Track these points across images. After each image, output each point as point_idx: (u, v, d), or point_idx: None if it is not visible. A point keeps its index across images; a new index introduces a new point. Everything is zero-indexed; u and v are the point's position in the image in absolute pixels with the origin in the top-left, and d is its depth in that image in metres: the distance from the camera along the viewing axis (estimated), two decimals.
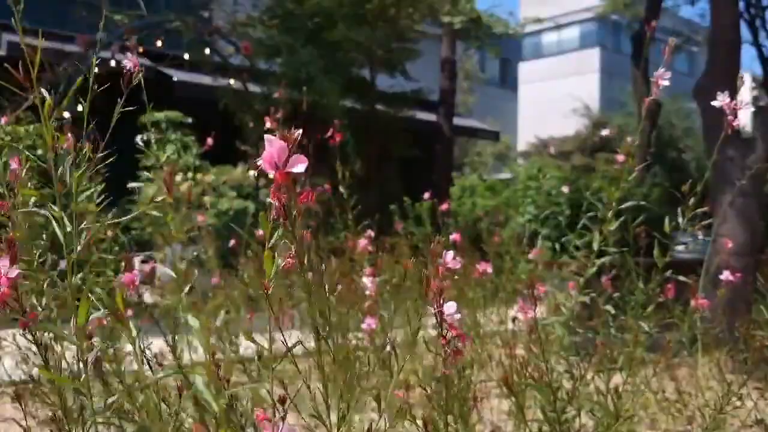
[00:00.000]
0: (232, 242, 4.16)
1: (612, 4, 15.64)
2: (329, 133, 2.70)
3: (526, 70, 34.55)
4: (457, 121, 14.39)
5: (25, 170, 1.30)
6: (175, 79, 10.60)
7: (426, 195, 5.08)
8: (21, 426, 1.27)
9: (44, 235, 1.41)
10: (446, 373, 1.06)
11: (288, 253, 0.92)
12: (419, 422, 1.12)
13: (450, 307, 0.99)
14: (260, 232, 4.01)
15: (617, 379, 2.11)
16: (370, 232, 3.17)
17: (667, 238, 2.06)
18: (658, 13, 10.75)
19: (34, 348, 1.20)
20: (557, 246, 2.94)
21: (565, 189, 6.63)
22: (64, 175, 1.15)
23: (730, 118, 1.74)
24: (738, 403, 1.78)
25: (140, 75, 1.43)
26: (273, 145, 0.84)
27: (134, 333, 1.10)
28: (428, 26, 13.06)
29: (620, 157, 2.06)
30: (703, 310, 2.32)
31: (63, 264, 1.68)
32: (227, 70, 8.89)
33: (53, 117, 1.10)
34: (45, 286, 1.28)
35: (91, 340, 1.15)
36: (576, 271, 2.13)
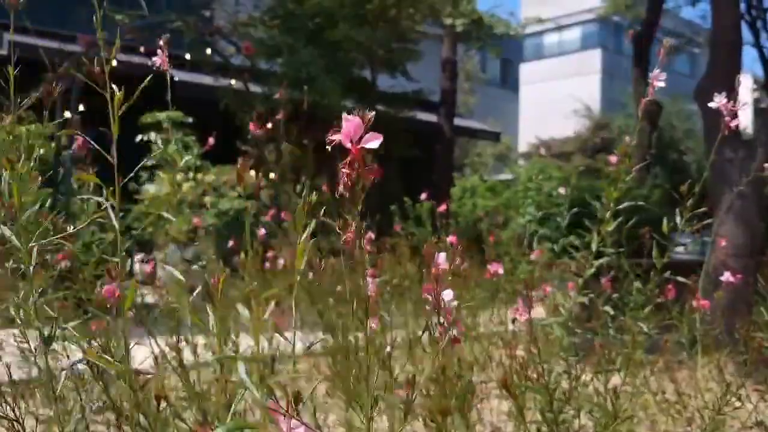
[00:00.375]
0: (231, 243, 4.16)
1: (613, 6, 15.64)
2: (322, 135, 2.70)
3: (527, 70, 34.56)
4: (458, 121, 14.39)
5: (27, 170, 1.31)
6: (176, 79, 10.60)
7: (423, 195, 5.08)
8: (22, 426, 1.27)
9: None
10: (444, 368, 1.06)
11: (348, 229, 0.96)
12: (422, 422, 1.12)
13: (447, 294, 1.01)
14: (262, 231, 4.02)
15: (616, 379, 2.12)
16: (371, 234, 3.17)
17: (665, 239, 2.06)
18: (660, 14, 10.75)
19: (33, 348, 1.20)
20: (555, 247, 2.94)
21: (561, 190, 6.63)
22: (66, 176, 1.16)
23: (727, 118, 1.74)
24: (738, 405, 1.78)
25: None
26: (349, 122, 0.89)
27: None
28: (429, 27, 13.06)
29: (613, 158, 2.06)
30: (704, 312, 2.33)
31: (63, 263, 1.69)
32: (228, 70, 8.90)
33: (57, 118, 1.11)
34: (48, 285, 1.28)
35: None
36: (575, 272, 2.14)
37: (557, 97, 29.89)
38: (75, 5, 8.25)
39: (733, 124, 1.74)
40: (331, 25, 10.34)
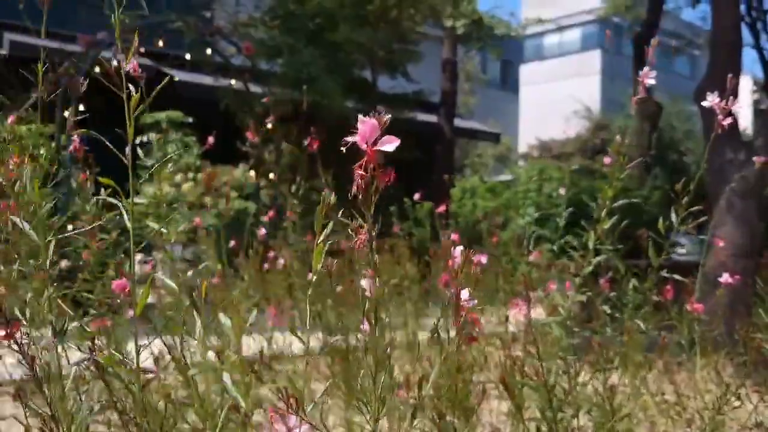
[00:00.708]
0: (232, 243, 4.16)
1: (613, 7, 15.64)
2: (310, 140, 2.71)
3: (527, 71, 34.57)
4: (458, 122, 14.39)
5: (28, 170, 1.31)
6: (176, 79, 10.61)
7: (416, 196, 5.06)
8: (22, 424, 1.27)
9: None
10: (458, 368, 1.07)
11: (361, 231, 0.96)
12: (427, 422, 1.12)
13: (465, 293, 1.02)
14: (262, 231, 4.02)
15: (615, 379, 2.12)
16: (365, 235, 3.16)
17: (662, 239, 2.06)
18: (660, 15, 10.76)
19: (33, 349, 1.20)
20: (555, 248, 2.94)
21: (561, 191, 6.63)
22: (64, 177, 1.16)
23: (720, 117, 1.74)
24: (737, 406, 1.78)
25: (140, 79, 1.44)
26: (365, 124, 0.89)
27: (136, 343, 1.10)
28: (430, 28, 13.06)
29: (607, 159, 2.07)
30: (699, 314, 2.33)
31: (64, 263, 1.69)
32: (228, 70, 8.91)
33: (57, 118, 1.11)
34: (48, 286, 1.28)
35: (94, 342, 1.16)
36: (574, 272, 2.14)
37: (557, 98, 29.90)
38: (75, 5, 8.25)
39: (726, 122, 1.74)
40: (332, 25, 10.34)
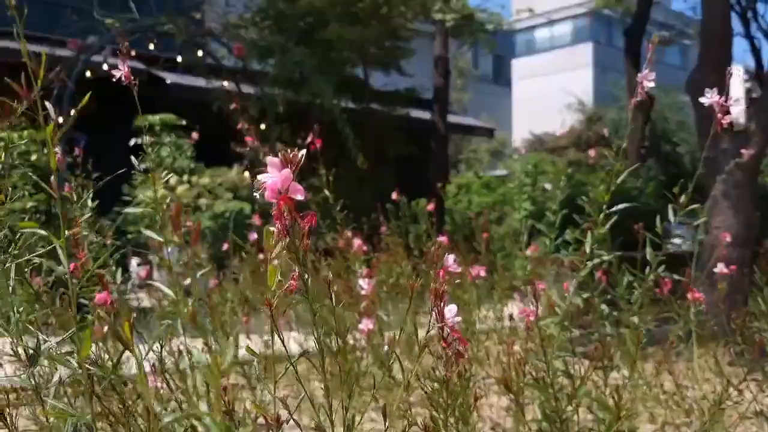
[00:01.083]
0: (225, 246, 4.16)
1: (604, 0, 15.64)
2: (310, 138, 2.70)
3: (519, 66, 34.58)
4: (452, 118, 14.38)
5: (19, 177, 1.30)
6: (168, 81, 10.58)
7: (393, 195, 5.03)
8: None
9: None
10: (447, 376, 1.06)
11: (291, 271, 0.94)
12: (419, 422, 1.12)
13: (451, 310, 1.00)
14: (254, 235, 4.02)
15: (616, 375, 2.12)
16: (359, 241, 3.16)
17: (658, 235, 2.06)
18: (650, 6, 10.77)
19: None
20: (548, 242, 2.94)
21: (548, 186, 6.64)
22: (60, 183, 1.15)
23: (719, 115, 1.74)
24: (736, 395, 1.79)
25: (135, 81, 1.43)
26: (277, 172, 0.85)
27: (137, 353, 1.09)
28: (421, 24, 13.04)
29: (592, 152, 2.06)
30: (699, 304, 2.33)
31: (59, 270, 1.68)
32: (220, 71, 8.88)
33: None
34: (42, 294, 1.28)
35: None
36: (573, 269, 2.13)
37: (550, 92, 29.91)
38: (65, 10, 8.21)
39: (725, 120, 1.74)
40: (323, 24, 10.32)
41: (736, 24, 10.47)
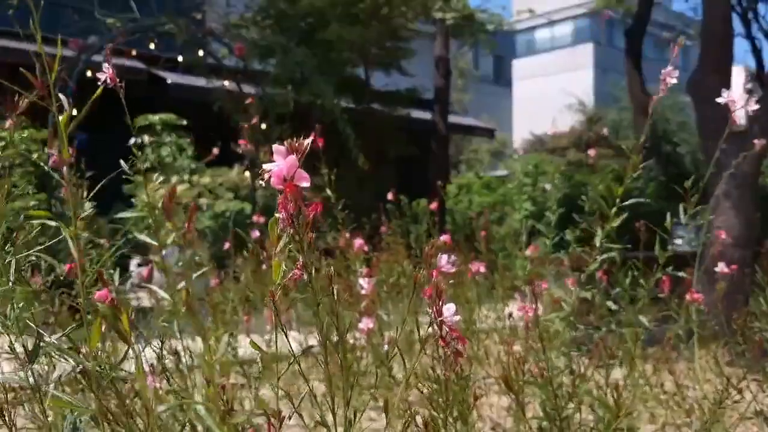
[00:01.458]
0: (226, 245, 4.15)
1: (604, 1, 15.63)
2: (313, 136, 2.70)
3: (520, 66, 34.57)
4: (453, 119, 14.38)
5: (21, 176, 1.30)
6: (169, 81, 10.58)
7: (389, 195, 5.02)
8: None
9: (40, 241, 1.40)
10: (446, 375, 1.06)
11: (295, 264, 0.94)
12: (419, 420, 1.12)
13: (449, 309, 0.99)
14: (256, 233, 4.01)
15: (617, 373, 2.12)
16: (360, 241, 3.16)
17: (665, 233, 2.06)
18: (651, 7, 10.75)
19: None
20: (547, 242, 2.94)
21: (548, 186, 6.64)
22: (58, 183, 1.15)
23: (733, 116, 1.72)
24: (736, 396, 1.78)
25: (121, 83, 1.43)
26: (283, 159, 0.85)
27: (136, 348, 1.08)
28: (422, 24, 13.04)
29: (592, 152, 2.06)
30: (698, 304, 2.33)
31: (59, 269, 1.68)
32: (221, 71, 8.89)
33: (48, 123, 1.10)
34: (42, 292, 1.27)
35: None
36: (574, 267, 2.13)
37: (551, 93, 29.90)
38: (66, 10, 8.22)
39: (736, 119, 1.73)
40: (324, 24, 10.32)
41: (737, 25, 10.46)
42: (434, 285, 0.98)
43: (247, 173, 8.85)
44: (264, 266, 3.57)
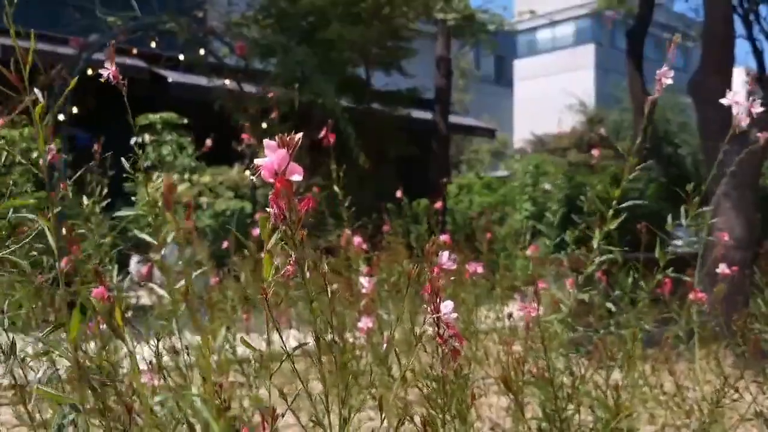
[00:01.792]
0: (225, 244, 4.15)
1: (606, 1, 15.62)
2: (323, 134, 2.70)
3: (521, 67, 34.57)
4: (453, 119, 14.38)
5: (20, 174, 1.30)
6: (170, 80, 10.58)
7: (398, 193, 5.04)
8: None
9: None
10: (443, 373, 1.06)
11: (288, 260, 0.93)
12: (417, 420, 1.11)
13: (447, 306, 0.99)
14: (256, 231, 4.01)
15: (616, 374, 2.11)
16: (360, 239, 3.16)
17: (665, 234, 2.06)
18: (652, 8, 10.75)
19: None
20: (548, 242, 2.94)
21: (548, 186, 6.65)
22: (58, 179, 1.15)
23: (741, 117, 1.71)
24: (736, 397, 1.78)
25: (124, 81, 1.42)
26: (274, 153, 0.84)
27: (130, 345, 1.08)
28: (423, 24, 13.03)
29: (596, 152, 2.06)
30: (701, 304, 2.32)
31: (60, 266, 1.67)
32: (222, 70, 8.89)
33: (46, 120, 1.09)
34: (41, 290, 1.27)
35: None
36: (573, 268, 2.13)
37: (552, 93, 29.90)
38: (66, 7, 8.22)
39: (743, 121, 1.72)
40: (325, 23, 10.32)
41: (739, 26, 10.45)
42: (432, 282, 0.98)
43: (248, 172, 8.85)
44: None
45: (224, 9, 9.84)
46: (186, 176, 8.76)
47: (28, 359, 1.18)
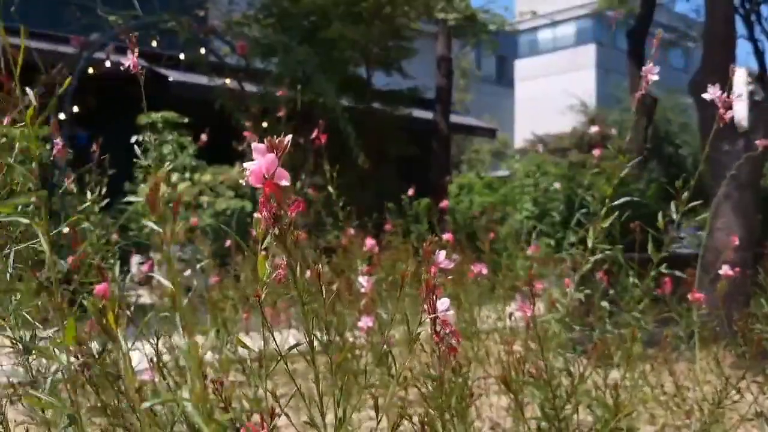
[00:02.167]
0: (227, 243, 4.16)
1: (607, 1, 15.62)
2: (316, 134, 2.71)
3: (522, 67, 34.56)
4: (454, 118, 14.38)
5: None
6: (171, 79, 10.58)
7: (410, 191, 5.04)
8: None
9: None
10: (441, 372, 1.06)
11: (280, 264, 0.93)
12: (416, 419, 1.11)
13: (443, 303, 0.99)
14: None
15: (615, 374, 2.11)
16: (371, 241, 3.16)
17: (661, 233, 2.06)
18: (653, 8, 10.75)
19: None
20: (551, 242, 2.94)
21: (557, 185, 6.65)
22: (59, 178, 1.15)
23: (722, 110, 1.73)
24: (736, 397, 1.78)
25: (140, 76, 1.43)
26: (262, 157, 0.84)
27: (124, 346, 1.08)
28: (424, 24, 13.04)
29: (596, 151, 2.07)
30: (701, 305, 2.32)
31: (63, 265, 1.68)
32: (223, 69, 8.89)
33: (40, 119, 1.09)
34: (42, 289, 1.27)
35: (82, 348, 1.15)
36: (572, 267, 2.13)
37: (553, 93, 29.89)
38: (67, 6, 8.23)
39: (727, 116, 1.73)
40: (326, 23, 10.32)
41: (740, 27, 10.45)
42: (428, 280, 0.98)
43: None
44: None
45: (225, 8, 9.84)
46: (187, 175, 8.76)
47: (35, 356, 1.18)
